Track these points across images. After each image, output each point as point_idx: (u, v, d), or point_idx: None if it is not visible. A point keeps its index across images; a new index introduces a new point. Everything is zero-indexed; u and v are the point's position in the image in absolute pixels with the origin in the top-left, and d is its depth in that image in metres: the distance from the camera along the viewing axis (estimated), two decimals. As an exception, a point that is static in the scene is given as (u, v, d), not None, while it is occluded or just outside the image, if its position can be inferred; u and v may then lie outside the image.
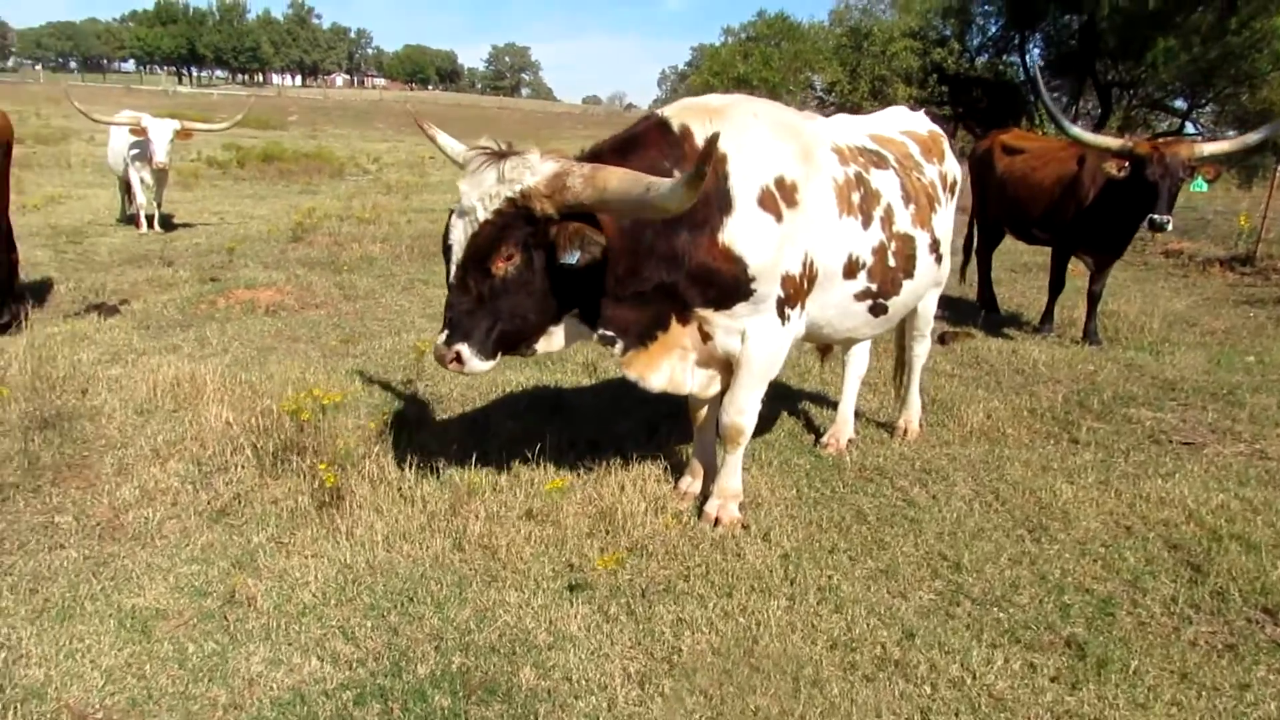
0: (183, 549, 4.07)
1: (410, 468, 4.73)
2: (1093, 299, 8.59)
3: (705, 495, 4.73)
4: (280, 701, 3.10)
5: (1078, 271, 9.29)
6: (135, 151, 12.90)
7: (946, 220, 5.19)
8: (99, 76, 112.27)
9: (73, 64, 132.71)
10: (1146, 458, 5.74)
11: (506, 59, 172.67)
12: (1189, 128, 30.99)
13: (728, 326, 4.21)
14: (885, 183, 4.61)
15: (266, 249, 12.13)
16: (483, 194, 3.61)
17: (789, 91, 36.78)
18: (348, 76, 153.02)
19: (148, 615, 3.55)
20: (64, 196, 16.65)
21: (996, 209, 9.48)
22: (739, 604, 3.83)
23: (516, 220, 3.62)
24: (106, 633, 3.40)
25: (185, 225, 14.22)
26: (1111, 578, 4.25)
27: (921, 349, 5.92)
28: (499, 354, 3.88)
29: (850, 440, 5.79)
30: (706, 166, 3.22)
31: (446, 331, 3.75)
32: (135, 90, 66.18)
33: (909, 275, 4.76)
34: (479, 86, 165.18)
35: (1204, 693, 3.40)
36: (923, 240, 4.81)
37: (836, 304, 4.54)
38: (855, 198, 4.40)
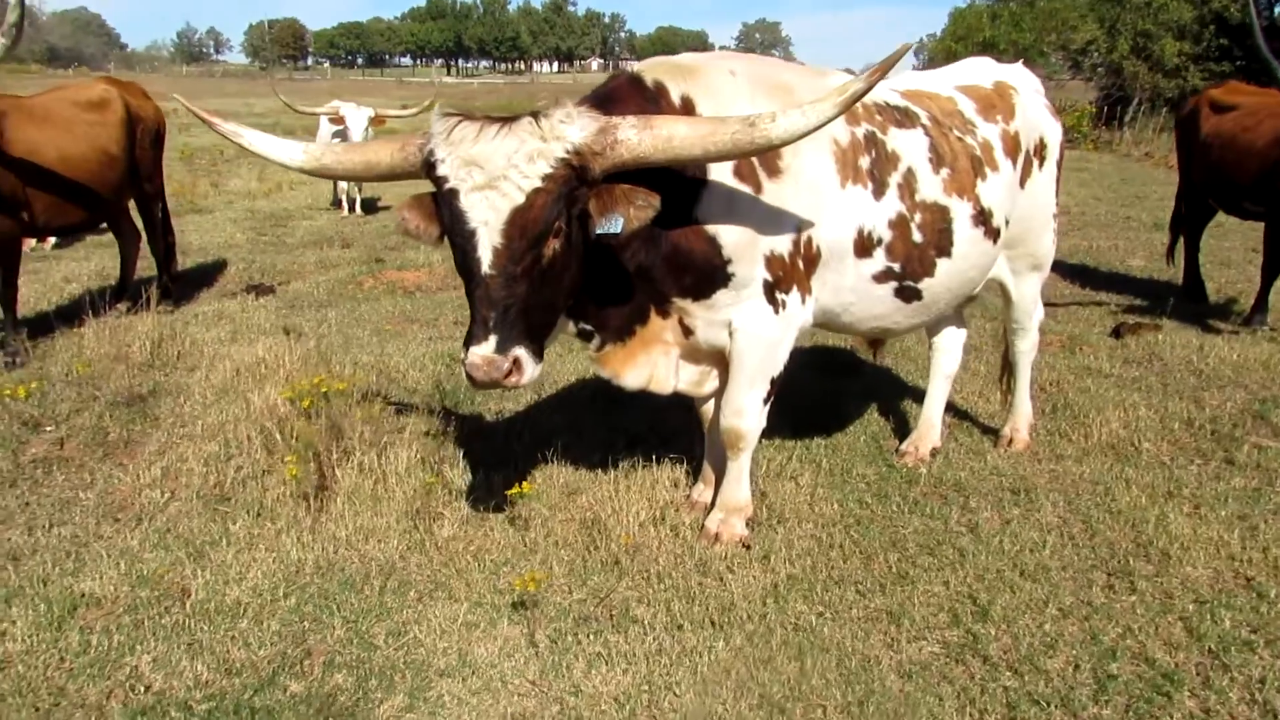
0: (161, 534, 4.08)
1: (411, 461, 4.53)
2: (1318, 285, 7.06)
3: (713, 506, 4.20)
4: (134, 709, 2.97)
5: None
6: (335, 140, 13.68)
7: (1011, 188, 4.32)
8: (377, 71, 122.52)
9: (359, 60, 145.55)
10: (1318, 487, 4.57)
11: (757, 35, 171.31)
12: None
13: (708, 319, 3.68)
14: (907, 144, 3.87)
15: (443, 230, 12.45)
16: (514, 158, 2.96)
17: (1041, 54, 33.78)
18: (602, 61, 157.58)
19: (80, 602, 3.55)
20: (297, 182, 17.94)
21: (1201, 177, 8.01)
22: (683, 641, 3.32)
23: (570, 185, 3.03)
24: (27, 618, 3.41)
25: (386, 208, 14.94)
26: (1190, 645, 3.34)
27: (1024, 344, 5.01)
28: (542, 356, 3.25)
29: (935, 449, 5.01)
30: (879, 79, 2.97)
31: (494, 337, 3.00)
32: (406, 83, 71.64)
33: (944, 253, 4.00)
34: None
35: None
36: (962, 211, 4.01)
37: (852, 287, 3.89)
38: (864, 162, 3.72)
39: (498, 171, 2.98)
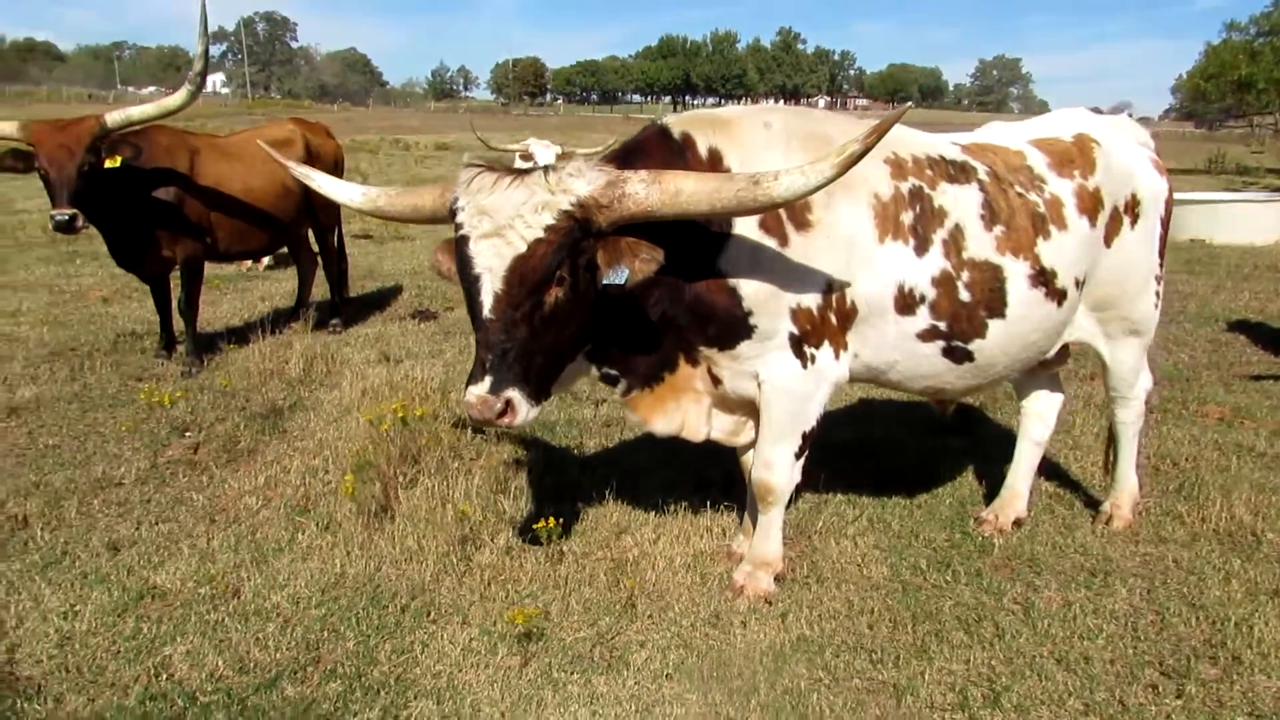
0: (240, 537, 4.47)
1: (470, 488, 4.74)
2: None
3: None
4: (151, 692, 3.29)
5: None
6: (524, 175, 14.44)
7: (1088, 247, 4.05)
8: (607, 108, 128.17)
9: (594, 97, 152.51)
10: None
11: (994, 72, 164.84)
12: None
13: (735, 369, 3.67)
14: (958, 200, 3.71)
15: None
16: (521, 209, 3.10)
17: (1306, 92, 30.63)
18: (829, 99, 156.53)
19: (149, 592, 3.96)
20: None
21: None
22: (660, 692, 3.31)
23: (573, 236, 3.14)
24: (98, 602, 3.84)
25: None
26: (1227, 764, 2.99)
27: (1127, 414, 4.62)
28: (543, 399, 3.40)
29: (1019, 519, 4.69)
30: (874, 141, 2.94)
31: (489, 378, 3.12)
32: (632, 118, 74.35)
33: (996, 314, 3.79)
34: (965, 102, 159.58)
35: None
36: (1017, 270, 3.79)
37: (896, 345, 3.76)
38: (906, 218, 3.61)
39: (504, 220, 3.11)
